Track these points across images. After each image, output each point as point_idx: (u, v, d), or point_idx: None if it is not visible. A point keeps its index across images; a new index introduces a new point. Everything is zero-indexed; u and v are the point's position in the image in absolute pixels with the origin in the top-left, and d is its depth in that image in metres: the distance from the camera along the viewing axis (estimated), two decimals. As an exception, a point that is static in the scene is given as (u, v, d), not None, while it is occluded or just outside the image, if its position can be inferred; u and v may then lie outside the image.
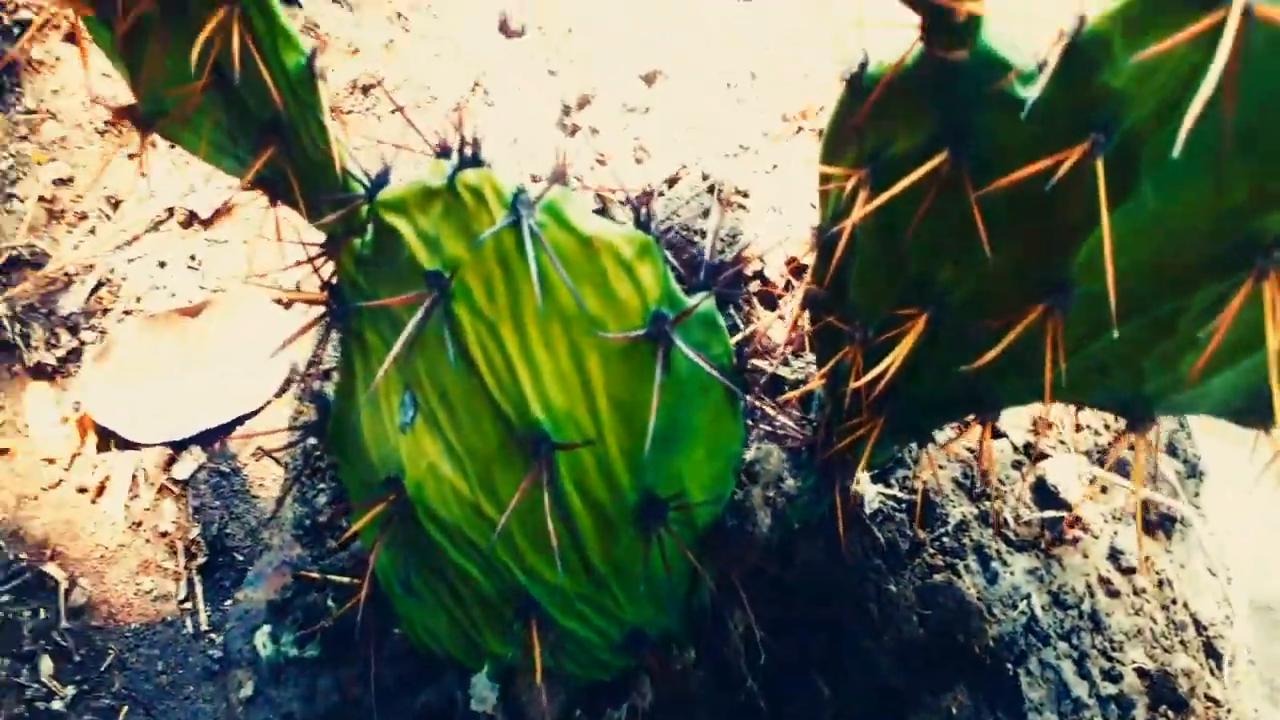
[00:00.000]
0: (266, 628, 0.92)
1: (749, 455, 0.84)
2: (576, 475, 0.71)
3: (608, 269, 0.65)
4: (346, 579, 0.82)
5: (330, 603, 0.90)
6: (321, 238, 0.73)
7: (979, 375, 0.63)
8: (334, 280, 0.73)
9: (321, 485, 0.99)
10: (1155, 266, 0.55)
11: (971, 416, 0.69)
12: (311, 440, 1.01)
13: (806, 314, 0.72)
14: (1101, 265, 0.53)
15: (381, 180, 0.66)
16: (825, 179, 0.64)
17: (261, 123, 0.68)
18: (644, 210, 0.64)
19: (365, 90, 1.48)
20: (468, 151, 0.62)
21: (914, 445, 0.94)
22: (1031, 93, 0.50)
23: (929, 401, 0.71)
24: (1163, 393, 0.63)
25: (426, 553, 0.78)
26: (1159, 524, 1.01)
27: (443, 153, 0.64)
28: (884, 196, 0.57)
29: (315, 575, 0.90)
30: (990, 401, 0.69)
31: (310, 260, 0.73)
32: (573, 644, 0.80)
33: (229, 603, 1.08)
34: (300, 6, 1.53)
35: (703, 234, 0.69)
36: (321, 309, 0.73)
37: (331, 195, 0.69)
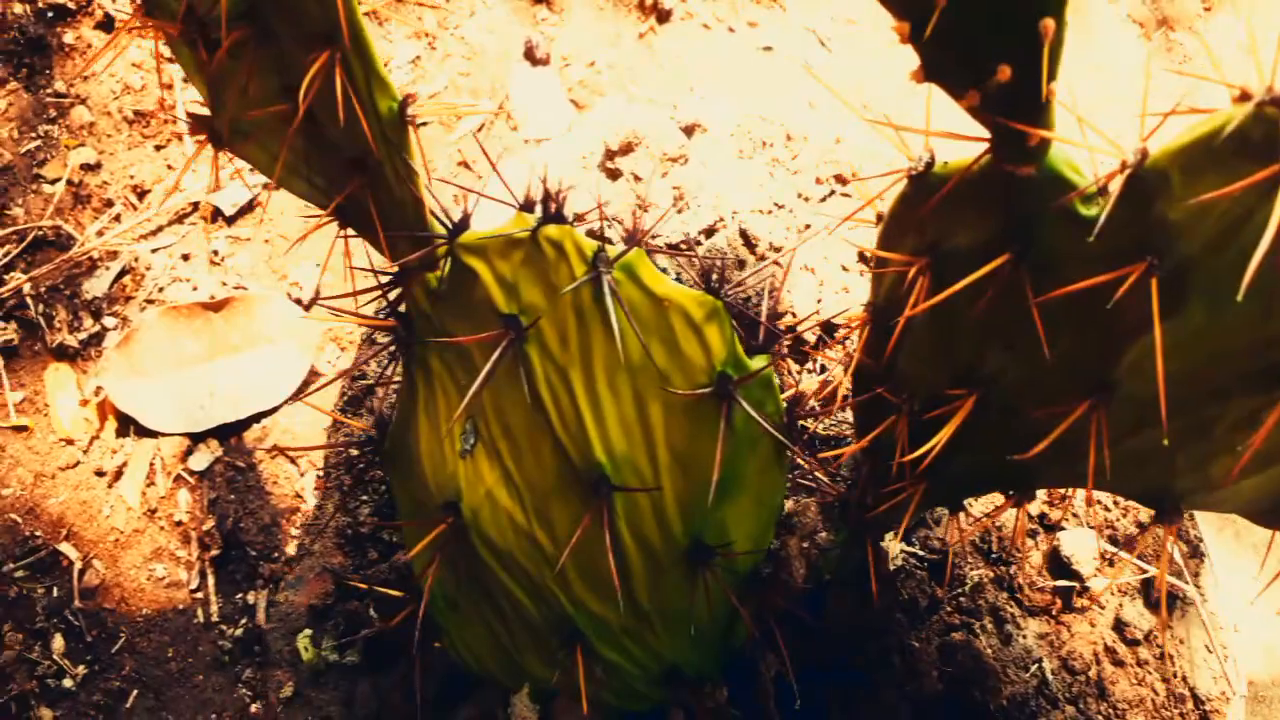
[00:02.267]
0: (308, 631, 0.95)
1: (787, 508, 0.87)
2: (631, 516, 0.75)
3: (677, 328, 0.69)
4: (390, 591, 0.85)
5: (371, 612, 0.94)
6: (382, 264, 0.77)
7: (1023, 459, 0.66)
8: (404, 309, 0.77)
9: (364, 496, 1.02)
10: (1194, 377, 0.59)
11: (1005, 496, 0.73)
12: (354, 451, 1.04)
13: (848, 381, 0.76)
14: (1145, 370, 0.57)
15: (463, 224, 0.71)
16: (882, 263, 0.68)
17: (346, 158, 0.71)
18: (715, 275, 0.68)
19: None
20: (552, 207, 0.66)
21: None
22: (1094, 212, 0.54)
23: (969, 475, 0.75)
24: (1194, 490, 0.66)
25: (477, 574, 0.81)
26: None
27: (526, 206, 0.68)
28: (949, 290, 0.61)
29: (361, 584, 0.94)
30: (1029, 483, 0.72)
31: (380, 288, 0.77)
32: (612, 674, 0.84)
33: (239, 597, 1.07)
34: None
35: (739, 285, 0.73)
36: (390, 335, 0.78)
37: (411, 232, 0.72)
